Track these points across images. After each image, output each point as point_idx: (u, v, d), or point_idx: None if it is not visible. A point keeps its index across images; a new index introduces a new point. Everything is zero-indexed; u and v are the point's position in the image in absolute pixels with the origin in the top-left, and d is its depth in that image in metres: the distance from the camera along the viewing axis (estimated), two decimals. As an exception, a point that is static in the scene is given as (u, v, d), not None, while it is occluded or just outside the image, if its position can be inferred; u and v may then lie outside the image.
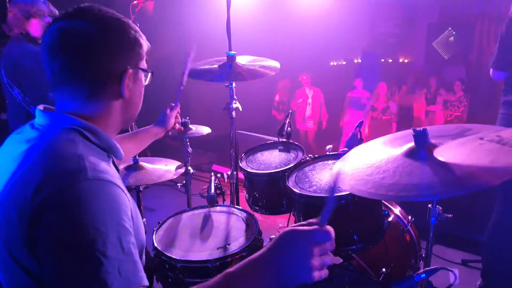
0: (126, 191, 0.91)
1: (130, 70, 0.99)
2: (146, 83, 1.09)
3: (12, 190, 0.86)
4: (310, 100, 6.18)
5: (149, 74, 1.09)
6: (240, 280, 0.83)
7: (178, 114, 1.94)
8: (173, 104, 1.91)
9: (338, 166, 1.39)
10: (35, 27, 2.64)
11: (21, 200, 0.81)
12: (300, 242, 0.83)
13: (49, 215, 0.78)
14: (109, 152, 1.01)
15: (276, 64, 2.27)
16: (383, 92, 5.92)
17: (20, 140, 0.95)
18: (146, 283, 0.84)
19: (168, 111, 1.88)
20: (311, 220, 0.88)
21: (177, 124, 1.94)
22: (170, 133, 1.95)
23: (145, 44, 1.04)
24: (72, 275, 0.76)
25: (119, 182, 0.90)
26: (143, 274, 0.84)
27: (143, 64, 1.05)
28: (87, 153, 0.89)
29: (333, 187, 0.90)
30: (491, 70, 2.49)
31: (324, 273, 0.85)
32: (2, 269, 0.88)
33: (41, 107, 1.00)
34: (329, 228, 0.86)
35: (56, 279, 0.78)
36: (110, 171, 0.90)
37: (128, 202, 0.89)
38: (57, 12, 2.74)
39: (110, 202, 0.83)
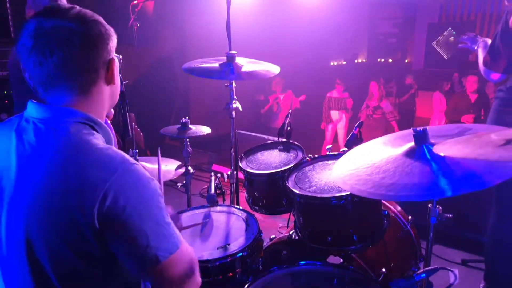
0: None
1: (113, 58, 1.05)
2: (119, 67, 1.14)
3: (50, 193, 0.88)
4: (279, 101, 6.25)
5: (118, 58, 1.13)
6: None
7: None
8: None
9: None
10: None
11: (77, 201, 0.86)
12: None
13: (120, 197, 0.88)
14: (109, 143, 1.03)
15: (275, 67, 2.28)
16: (375, 91, 5.79)
17: (28, 141, 0.93)
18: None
19: None
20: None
21: None
22: None
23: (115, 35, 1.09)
24: (152, 240, 0.92)
25: None
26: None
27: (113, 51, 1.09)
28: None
29: None
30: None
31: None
32: (57, 264, 0.92)
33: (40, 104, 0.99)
34: None
35: (133, 249, 0.91)
36: None
37: None
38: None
39: (150, 182, 0.97)
